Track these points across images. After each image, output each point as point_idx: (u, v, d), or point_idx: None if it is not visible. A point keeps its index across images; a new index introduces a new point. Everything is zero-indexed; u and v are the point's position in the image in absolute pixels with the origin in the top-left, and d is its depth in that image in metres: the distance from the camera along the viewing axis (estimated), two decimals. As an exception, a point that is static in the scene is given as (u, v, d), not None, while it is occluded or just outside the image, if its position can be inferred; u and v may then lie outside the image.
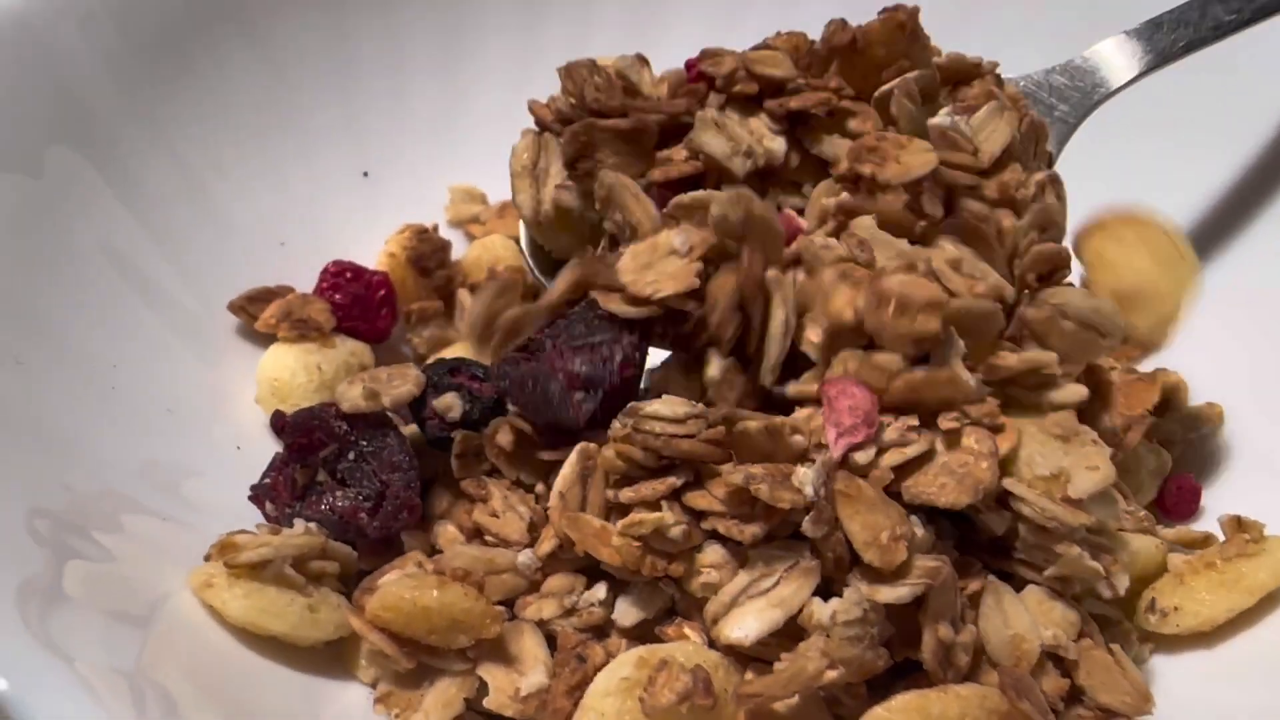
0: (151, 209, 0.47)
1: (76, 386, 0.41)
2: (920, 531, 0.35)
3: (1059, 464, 0.36)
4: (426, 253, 0.52)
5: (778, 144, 0.40)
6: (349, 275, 0.48)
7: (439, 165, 0.56)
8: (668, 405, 0.36)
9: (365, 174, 0.55)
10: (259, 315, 0.47)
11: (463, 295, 0.51)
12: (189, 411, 0.44)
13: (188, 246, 0.48)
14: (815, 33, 0.48)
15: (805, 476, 0.34)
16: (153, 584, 0.37)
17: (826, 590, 0.35)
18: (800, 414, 0.36)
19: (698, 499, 0.35)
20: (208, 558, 0.38)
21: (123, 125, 0.47)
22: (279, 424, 0.40)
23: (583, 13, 0.57)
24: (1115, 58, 0.45)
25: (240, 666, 0.36)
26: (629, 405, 0.36)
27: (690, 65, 0.44)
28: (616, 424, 0.36)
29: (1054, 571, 0.36)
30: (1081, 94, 0.45)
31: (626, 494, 0.36)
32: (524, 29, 0.57)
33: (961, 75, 0.42)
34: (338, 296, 0.48)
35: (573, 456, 0.37)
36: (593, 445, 0.37)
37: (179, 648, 0.36)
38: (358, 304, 0.48)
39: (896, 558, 0.33)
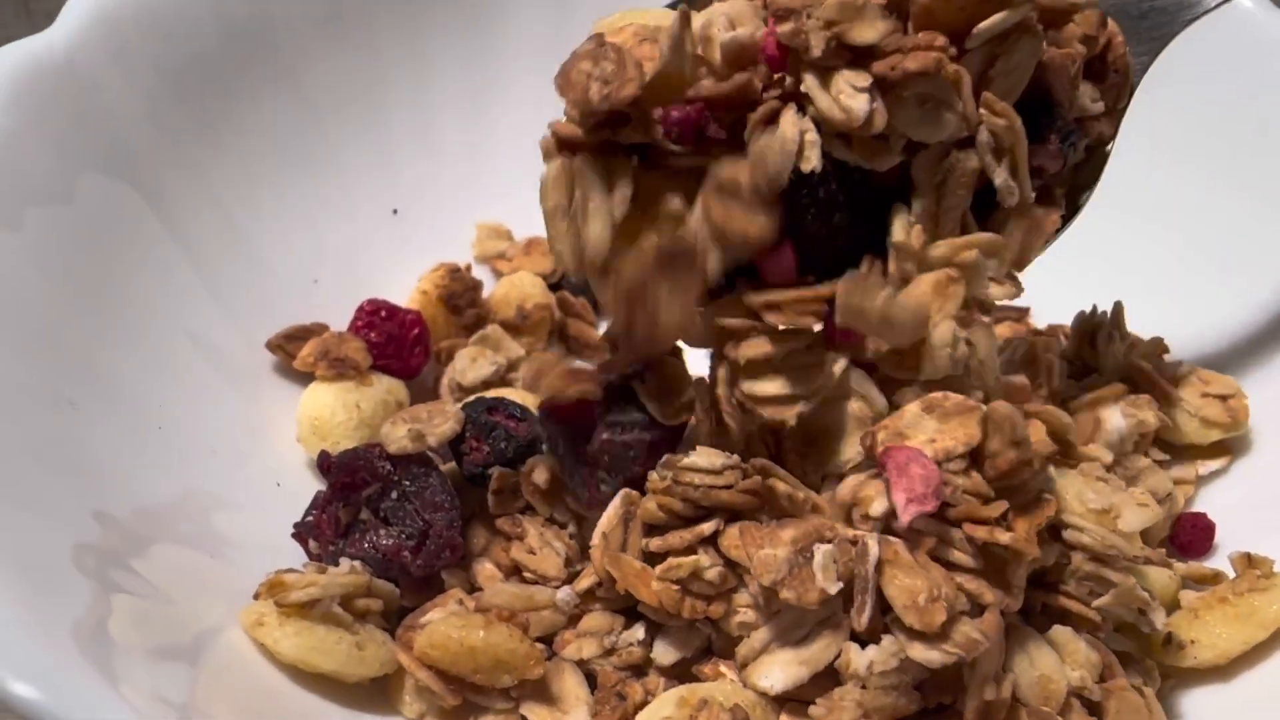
0: (195, 250, 0.48)
1: (125, 426, 0.42)
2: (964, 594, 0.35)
3: (1109, 500, 0.38)
4: (458, 291, 0.53)
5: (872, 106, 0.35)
6: (384, 314, 0.50)
7: (466, 202, 0.58)
8: (705, 457, 0.37)
9: (395, 211, 0.56)
10: (296, 353, 0.48)
11: (494, 329, 0.52)
12: (230, 448, 0.45)
13: (229, 286, 0.49)
14: None
15: (825, 568, 0.34)
16: (198, 618, 0.38)
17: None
18: (849, 482, 0.37)
19: (733, 547, 0.36)
20: (257, 596, 0.39)
21: (166, 167, 0.48)
22: (325, 464, 0.41)
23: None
24: None
25: (290, 703, 0.37)
26: (665, 458, 0.37)
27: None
28: (655, 475, 0.37)
29: (1106, 601, 0.38)
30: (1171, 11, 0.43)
31: (656, 543, 0.37)
32: (547, 73, 0.58)
33: (1058, 16, 0.38)
34: (373, 335, 0.49)
35: (616, 500, 0.38)
36: (635, 492, 0.38)
37: (229, 683, 0.37)
38: (392, 342, 0.49)
39: (935, 619, 0.34)
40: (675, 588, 0.36)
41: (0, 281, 0.40)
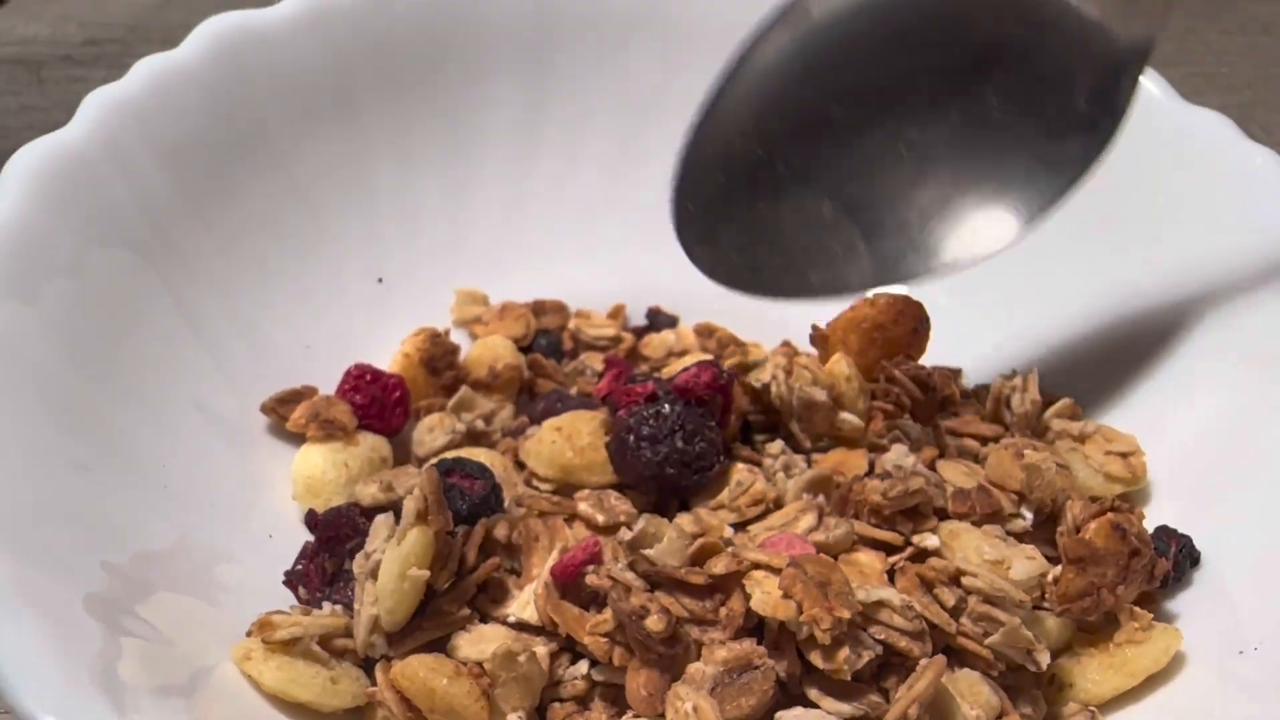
0: (197, 321, 0.54)
1: (132, 486, 0.47)
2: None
3: (1003, 553, 0.44)
4: (438, 354, 0.58)
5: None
6: (369, 378, 0.55)
7: (445, 270, 0.63)
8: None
9: (380, 280, 0.62)
10: (288, 415, 0.54)
11: (465, 392, 0.58)
12: (227, 505, 0.50)
13: (228, 354, 0.54)
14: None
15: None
16: (197, 656, 0.43)
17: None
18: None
19: (672, 604, 0.41)
20: (249, 634, 0.44)
21: (170, 246, 0.54)
22: (311, 521, 0.46)
23: (574, 142, 0.64)
24: None
25: None
26: (630, 539, 0.42)
27: None
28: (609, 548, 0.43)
29: (996, 640, 0.42)
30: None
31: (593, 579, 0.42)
32: (519, 154, 0.64)
33: None
34: (358, 397, 0.54)
35: (555, 553, 0.43)
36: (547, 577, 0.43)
37: (220, 712, 0.42)
38: (376, 404, 0.54)
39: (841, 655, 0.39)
40: (604, 640, 0.41)
41: (21, 351, 0.45)
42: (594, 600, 0.42)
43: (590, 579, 0.42)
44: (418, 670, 0.41)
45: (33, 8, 0.90)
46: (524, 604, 0.44)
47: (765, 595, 0.40)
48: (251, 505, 0.51)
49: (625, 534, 0.43)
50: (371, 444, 0.53)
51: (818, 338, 0.52)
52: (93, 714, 0.36)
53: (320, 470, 0.51)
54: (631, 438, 0.45)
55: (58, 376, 0.47)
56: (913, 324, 0.51)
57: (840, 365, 0.49)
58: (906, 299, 0.52)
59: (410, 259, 0.62)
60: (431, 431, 0.54)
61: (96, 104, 0.52)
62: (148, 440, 0.49)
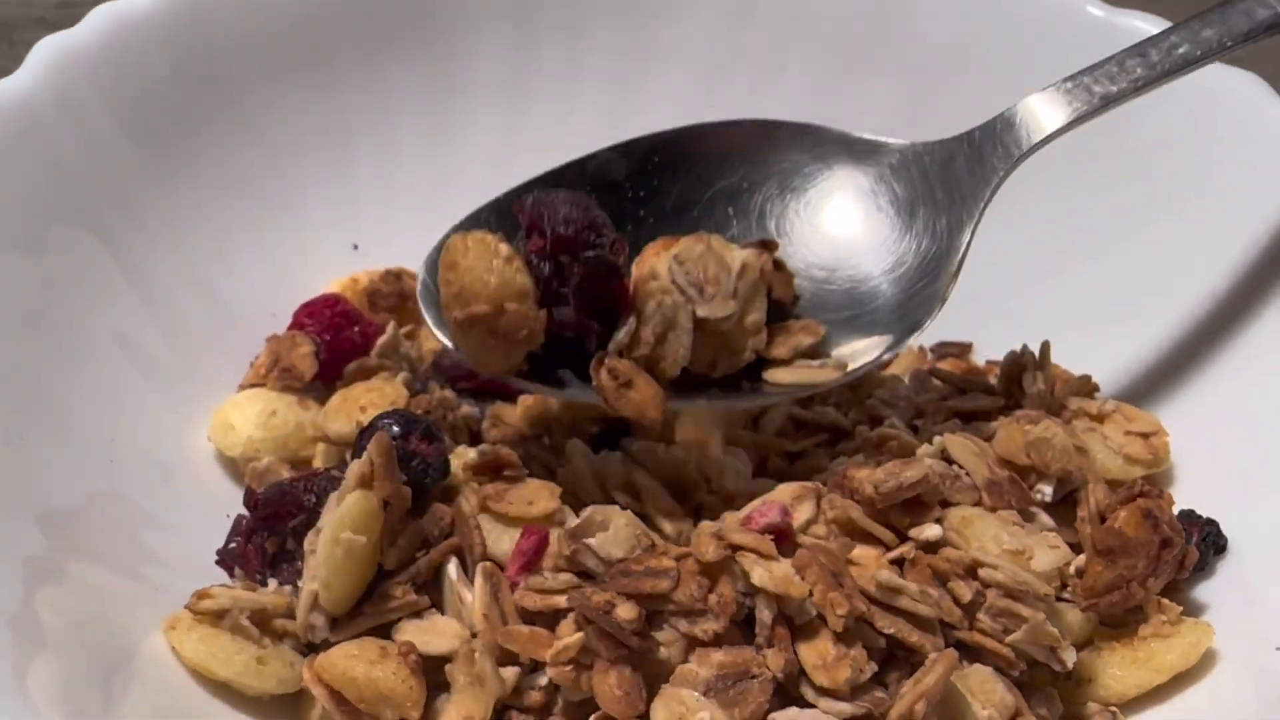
0: (152, 287, 0.50)
1: (74, 461, 0.44)
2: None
3: (1023, 542, 0.40)
4: (384, 291, 0.55)
5: None
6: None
7: (425, 238, 0.59)
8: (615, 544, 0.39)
9: (355, 247, 0.58)
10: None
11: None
12: (180, 480, 0.47)
13: (185, 323, 0.51)
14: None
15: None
16: (129, 631, 0.40)
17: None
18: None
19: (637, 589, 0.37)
20: (186, 605, 0.41)
21: (125, 210, 0.50)
22: (251, 500, 0.43)
23: (565, 98, 0.60)
24: (1041, 110, 0.47)
25: (198, 707, 0.39)
26: (572, 530, 0.39)
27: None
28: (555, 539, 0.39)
29: (1018, 637, 0.39)
30: (1005, 149, 0.47)
31: (532, 599, 0.38)
32: (505, 111, 0.60)
33: None
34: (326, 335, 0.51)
35: (479, 580, 0.39)
36: (490, 564, 0.40)
37: (139, 691, 0.38)
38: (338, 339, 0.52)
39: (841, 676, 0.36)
40: (569, 669, 0.37)
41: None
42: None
43: (525, 598, 0.39)
44: (337, 659, 0.38)
45: (5, -33, 0.86)
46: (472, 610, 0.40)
47: (768, 573, 0.36)
48: (205, 481, 0.48)
49: (572, 520, 0.40)
50: (313, 414, 0.50)
51: None
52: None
53: (243, 411, 0.48)
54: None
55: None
56: None
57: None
58: None
59: (389, 224, 0.59)
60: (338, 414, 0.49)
61: (46, 52, 0.49)
62: (91, 411, 0.45)
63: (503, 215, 0.46)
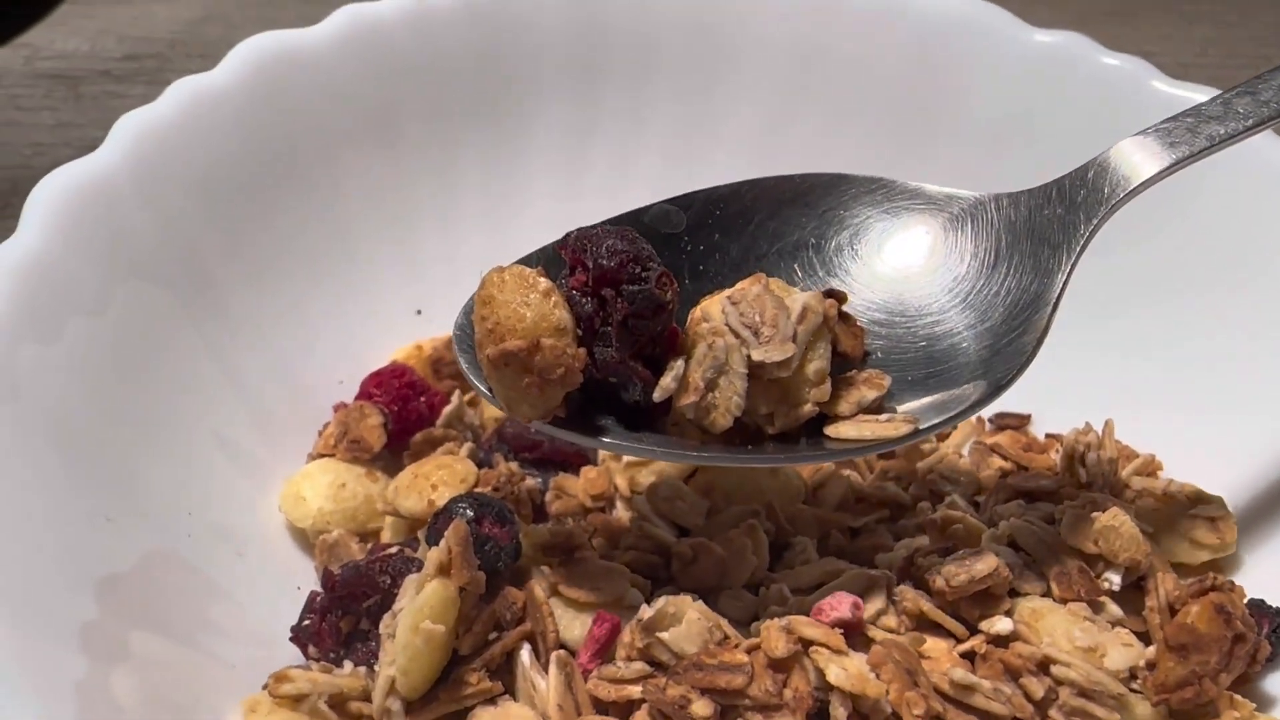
0: (227, 358, 0.51)
1: (155, 536, 0.45)
2: None
3: (1095, 639, 0.40)
4: (447, 359, 0.55)
5: None
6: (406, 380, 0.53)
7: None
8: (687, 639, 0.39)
9: (419, 312, 0.59)
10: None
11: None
12: (252, 551, 0.48)
13: (258, 392, 0.52)
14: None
15: None
16: (206, 706, 0.41)
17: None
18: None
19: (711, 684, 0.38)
20: (264, 687, 0.41)
21: (198, 280, 0.51)
22: (330, 581, 0.43)
23: (625, 166, 0.61)
24: (1136, 154, 0.44)
25: None
26: (644, 621, 0.39)
27: None
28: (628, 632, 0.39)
29: None
30: (1098, 194, 0.44)
31: (606, 690, 0.38)
32: (563, 181, 0.61)
33: None
34: (393, 404, 0.52)
35: (553, 669, 0.40)
36: (564, 654, 0.40)
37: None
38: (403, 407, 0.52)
39: None
40: None
41: (41, 396, 0.43)
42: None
43: (598, 688, 0.39)
44: None
45: (73, 22, 0.88)
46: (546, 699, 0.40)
47: (844, 671, 0.37)
48: (277, 552, 0.49)
49: (645, 612, 0.40)
50: (381, 486, 0.50)
51: None
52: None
53: (314, 483, 0.49)
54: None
55: (79, 422, 0.44)
56: None
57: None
58: None
59: (451, 289, 0.59)
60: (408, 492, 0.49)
61: (128, 129, 0.50)
62: (172, 486, 0.46)
63: (550, 263, 0.43)
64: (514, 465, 0.50)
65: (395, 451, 0.52)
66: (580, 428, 0.40)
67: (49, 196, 0.46)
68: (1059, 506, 0.47)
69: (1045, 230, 0.44)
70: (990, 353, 0.43)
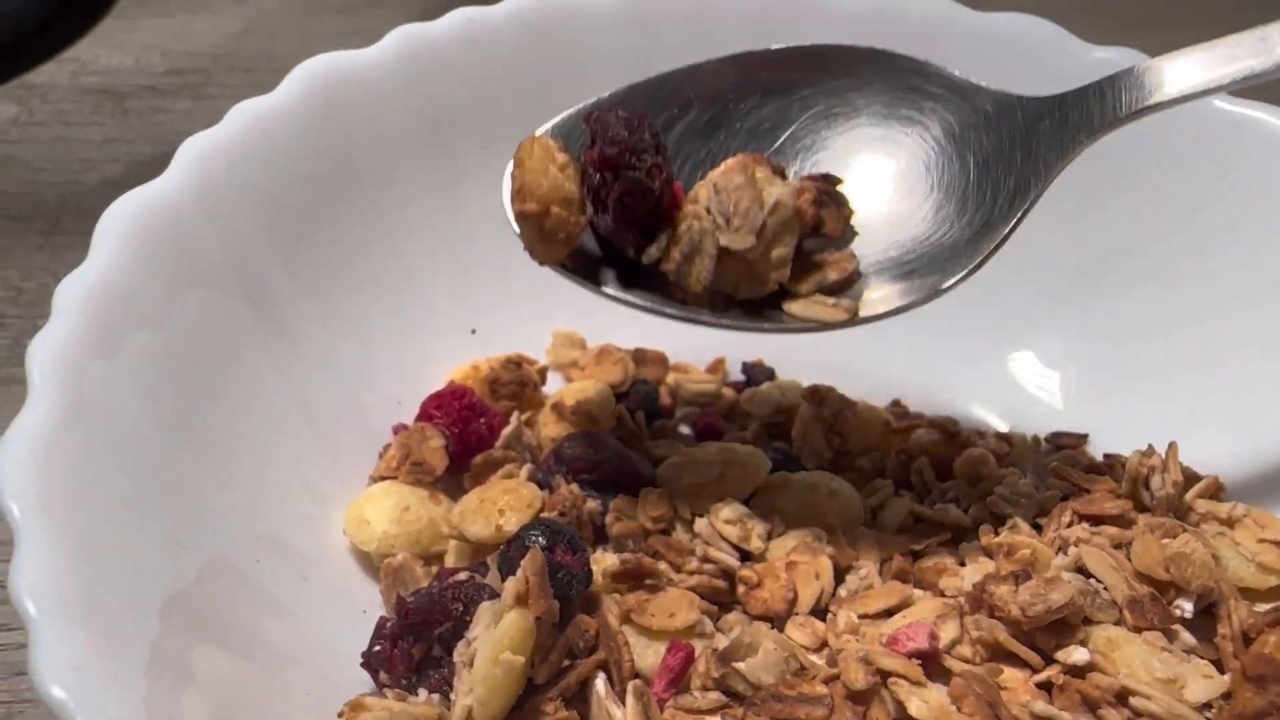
0: (292, 380, 0.52)
1: (226, 561, 0.45)
2: None
3: (1175, 670, 0.40)
4: (504, 379, 0.56)
5: None
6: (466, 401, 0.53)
7: (540, 321, 0.60)
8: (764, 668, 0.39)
9: (473, 331, 0.59)
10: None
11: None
12: (317, 575, 0.48)
13: (322, 413, 0.52)
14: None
15: None
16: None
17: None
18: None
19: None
20: (340, 715, 0.42)
21: (261, 301, 0.52)
22: (403, 609, 0.43)
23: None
24: (1152, 76, 0.45)
25: None
26: (720, 653, 0.39)
27: None
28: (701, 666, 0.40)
29: None
30: (1089, 118, 0.46)
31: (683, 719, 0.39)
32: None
33: None
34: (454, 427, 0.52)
35: (630, 699, 0.40)
36: (641, 684, 0.40)
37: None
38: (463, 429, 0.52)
39: None
40: None
41: (112, 413, 0.43)
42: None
43: (675, 718, 0.39)
44: None
45: (117, 36, 0.89)
46: None
47: (925, 705, 0.37)
48: (345, 576, 0.49)
49: (720, 641, 0.40)
50: (445, 508, 0.51)
51: None
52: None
53: (377, 505, 0.50)
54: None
55: (148, 440, 0.45)
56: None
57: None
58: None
59: (505, 309, 0.60)
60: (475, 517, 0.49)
61: (192, 152, 0.51)
62: (241, 509, 0.46)
63: (574, 131, 0.49)
64: (575, 488, 0.50)
65: (455, 474, 0.52)
66: (585, 275, 0.47)
67: (119, 220, 0.47)
68: (1125, 531, 0.47)
69: (1039, 143, 0.46)
70: (942, 255, 0.47)
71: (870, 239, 0.48)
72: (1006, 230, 0.46)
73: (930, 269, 0.47)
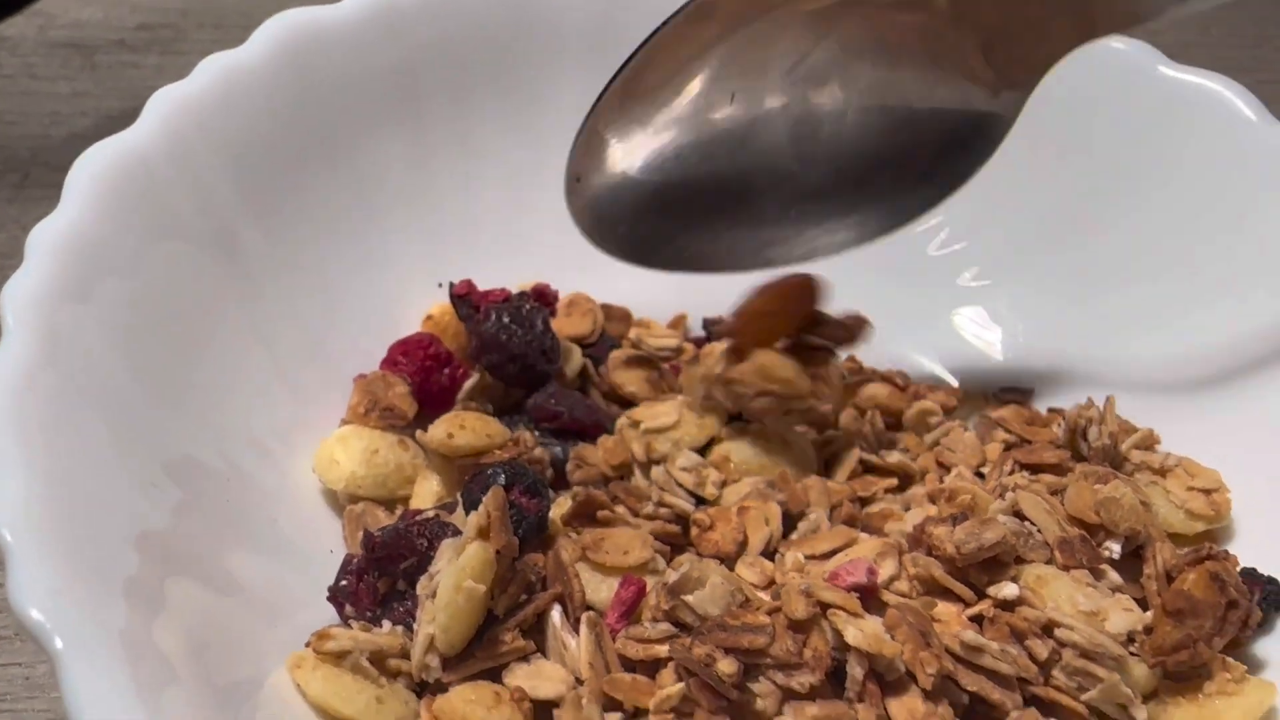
0: (259, 324, 0.53)
1: (197, 499, 0.46)
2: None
3: (1098, 604, 0.43)
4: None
5: None
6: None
7: (506, 275, 0.62)
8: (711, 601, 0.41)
9: (440, 285, 0.61)
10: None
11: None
12: (285, 513, 0.50)
13: (291, 360, 0.54)
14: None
15: None
16: (250, 662, 0.43)
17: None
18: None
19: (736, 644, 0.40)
20: (307, 644, 0.43)
21: (231, 250, 0.53)
22: (370, 543, 0.45)
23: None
24: None
25: None
26: (671, 585, 0.41)
27: None
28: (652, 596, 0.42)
29: (1093, 696, 0.41)
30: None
31: (634, 649, 0.41)
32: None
33: None
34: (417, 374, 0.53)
35: (584, 629, 0.42)
36: (594, 614, 0.42)
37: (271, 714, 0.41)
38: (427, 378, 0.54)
39: None
40: (670, 717, 0.39)
41: (83, 355, 0.44)
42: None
43: (627, 647, 0.41)
44: (455, 704, 0.41)
45: (86, -11, 0.89)
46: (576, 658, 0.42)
47: (861, 633, 0.39)
48: (313, 516, 0.50)
49: (670, 576, 0.42)
50: (412, 454, 0.52)
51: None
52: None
53: (348, 446, 0.51)
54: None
55: (121, 383, 0.46)
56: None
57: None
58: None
59: (471, 262, 0.61)
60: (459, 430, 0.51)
61: (161, 104, 0.51)
62: (210, 453, 0.48)
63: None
64: (533, 434, 0.52)
65: (421, 425, 0.54)
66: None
67: (89, 169, 0.48)
68: (1062, 479, 0.49)
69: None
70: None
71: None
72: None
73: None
